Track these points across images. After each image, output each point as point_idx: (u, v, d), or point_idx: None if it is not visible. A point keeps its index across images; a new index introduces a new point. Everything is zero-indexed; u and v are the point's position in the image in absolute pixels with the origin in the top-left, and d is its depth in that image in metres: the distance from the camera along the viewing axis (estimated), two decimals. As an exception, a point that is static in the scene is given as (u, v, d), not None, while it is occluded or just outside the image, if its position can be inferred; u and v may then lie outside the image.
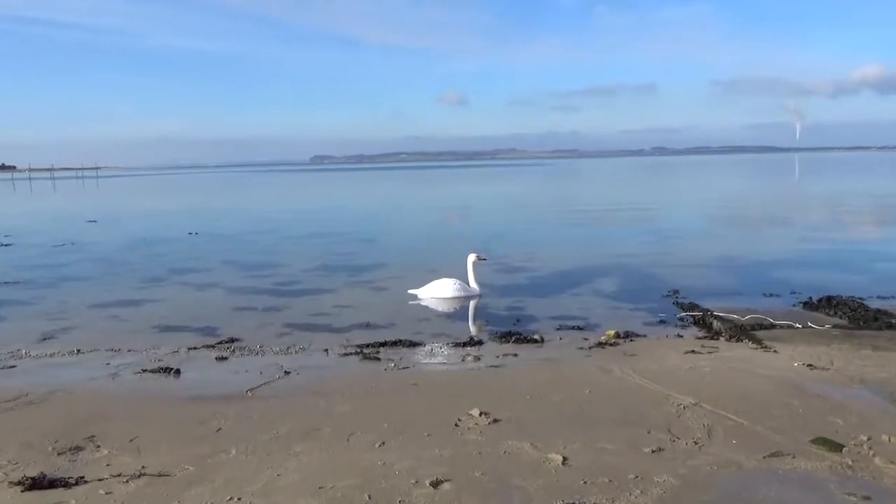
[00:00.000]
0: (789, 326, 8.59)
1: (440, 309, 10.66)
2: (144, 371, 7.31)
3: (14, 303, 11.59)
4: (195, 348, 8.30)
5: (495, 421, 5.47)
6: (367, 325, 9.42)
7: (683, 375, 6.59)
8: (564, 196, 43.25)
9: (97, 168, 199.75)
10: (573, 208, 31.12)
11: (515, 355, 7.65)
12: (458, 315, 10.30)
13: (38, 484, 4.46)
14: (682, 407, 5.69)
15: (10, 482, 4.51)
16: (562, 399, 5.98)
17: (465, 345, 8.18)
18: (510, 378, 6.71)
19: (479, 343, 8.29)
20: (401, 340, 8.36)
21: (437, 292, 11.14)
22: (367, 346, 8.16)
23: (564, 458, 4.67)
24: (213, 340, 8.69)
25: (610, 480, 4.34)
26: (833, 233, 19.77)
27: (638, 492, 4.18)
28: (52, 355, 8.12)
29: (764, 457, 4.67)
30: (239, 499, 4.25)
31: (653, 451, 4.80)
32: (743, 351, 7.60)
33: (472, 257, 11.51)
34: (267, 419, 5.67)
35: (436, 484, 4.33)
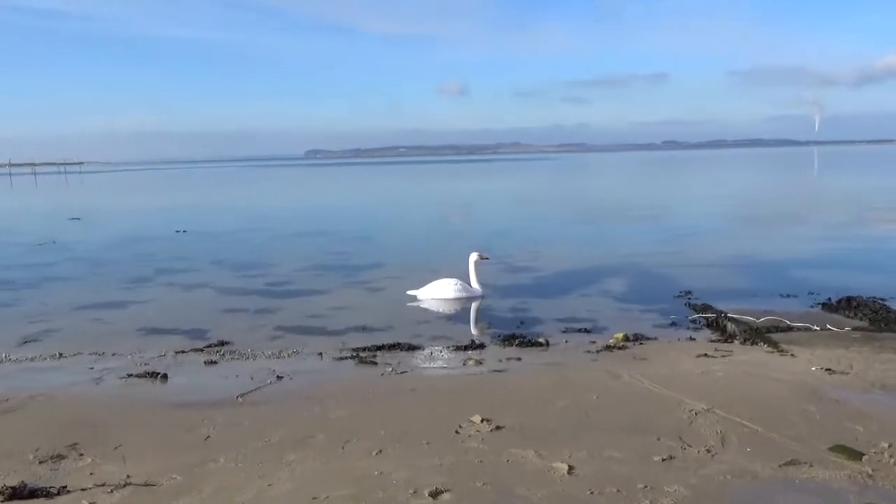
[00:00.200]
0: (807, 329, 8.50)
1: (440, 311, 10.55)
2: (130, 376, 7.23)
3: (-8, 304, 11.50)
4: (183, 352, 8.22)
5: (498, 428, 5.40)
6: (364, 328, 9.30)
7: (695, 380, 6.51)
8: (570, 192, 43.29)
9: (81, 163, 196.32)
10: (579, 205, 31.05)
11: (519, 359, 7.58)
12: (459, 317, 10.19)
13: (18, 494, 4.39)
14: (693, 413, 5.61)
15: (-11, 492, 4.48)
16: (567, 405, 5.91)
17: (466, 348, 8.10)
18: (513, 383, 6.64)
19: (481, 346, 8.20)
20: (399, 344, 8.27)
21: (438, 293, 11.03)
22: (364, 349, 8.07)
23: (570, 467, 4.62)
24: (201, 344, 8.59)
25: (618, 490, 4.28)
26: (853, 231, 19.44)
27: (647, 502, 4.13)
28: (33, 359, 8.03)
29: (780, 465, 4.60)
30: (227, 510, 4.20)
31: (663, 460, 4.73)
32: (758, 354, 7.52)
33: (473, 256, 11.39)
34: (258, 426, 5.61)
35: (435, 494, 4.26)
